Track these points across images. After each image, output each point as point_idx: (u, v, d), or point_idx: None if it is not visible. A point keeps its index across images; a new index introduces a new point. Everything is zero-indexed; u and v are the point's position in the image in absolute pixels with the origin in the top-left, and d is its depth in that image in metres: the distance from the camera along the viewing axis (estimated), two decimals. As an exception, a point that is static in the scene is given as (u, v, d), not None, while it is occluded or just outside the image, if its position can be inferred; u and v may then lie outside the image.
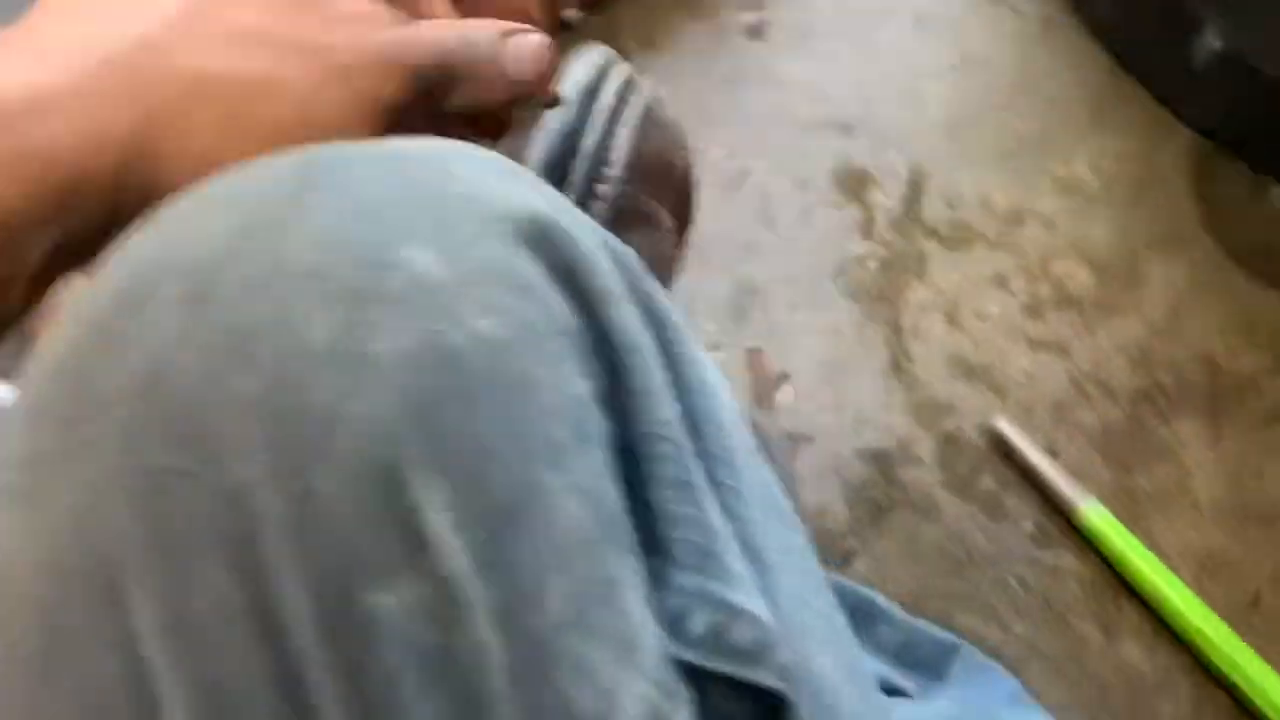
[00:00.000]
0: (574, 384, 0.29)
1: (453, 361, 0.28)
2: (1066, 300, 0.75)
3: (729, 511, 0.32)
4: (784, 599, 0.33)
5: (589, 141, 0.54)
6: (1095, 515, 0.68)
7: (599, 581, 0.28)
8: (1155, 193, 0.78)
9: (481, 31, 0.39)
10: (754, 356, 0.71)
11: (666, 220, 0.56)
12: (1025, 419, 0.71)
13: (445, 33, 0.38)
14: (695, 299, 0.72)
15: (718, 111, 0.77)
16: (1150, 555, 0.68)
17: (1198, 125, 0.77)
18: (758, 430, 0.68)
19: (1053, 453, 0.70)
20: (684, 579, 0.29)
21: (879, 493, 0.69)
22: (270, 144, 0.33)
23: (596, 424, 0.30)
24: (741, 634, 0.30)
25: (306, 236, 0.29)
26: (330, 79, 0.35)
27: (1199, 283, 0.76)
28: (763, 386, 0.70)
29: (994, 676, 0.52)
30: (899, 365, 0.72)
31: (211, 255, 0.29)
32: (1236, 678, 0.66)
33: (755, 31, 0.80)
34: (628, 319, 0.31)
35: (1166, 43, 0.72)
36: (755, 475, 0.35)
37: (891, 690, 0.51)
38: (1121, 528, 0.68)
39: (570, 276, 0.31)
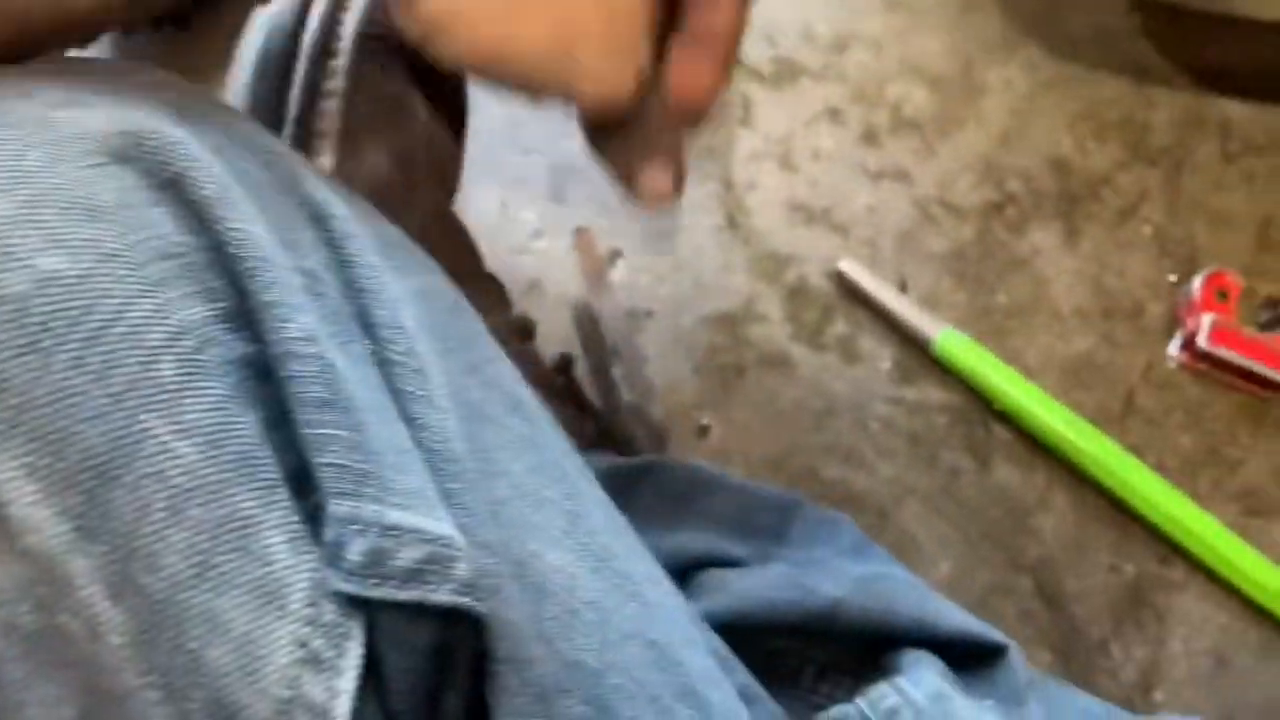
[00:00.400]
0: (182, 310, 0.26)
1: (16, 309, 0.25)
2: (904, 124, 0.70)
3: (412, 421, 0.29)
4: (502, 500, 0.30)
5: (310, 31, 0.49)
6: (952, 342, 0.65)
7: (227, 527, 0.25)
8: (984, -6, 0.73)
9: None
10: (581, 237, 0.67)
11: (421, 108, 0.52)
12: (872, 256, 0.68)
13: None
14: (512, 186, 0.67)
15: None
16: (1014, 373, 0.65)
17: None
18: (590, 313, 0.65)
19: (903, 285, 0.68)
20: (336, 506, 0.26)
21: (729, 357, 0.66)
22: None
23: (220, 350, 0.26)
24: (407, 555, 0.27)
25: None
26: None
27: (1039, 83, 0.72)
28: (593, 266, 0.67)
29: (836, 529, 0.50)
30: (734, 221, 0.68)
31: None
32: (1113, 484, 0.64)
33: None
34: (248, 225, 0.27)
35: None
36: (462, 374, 0.32)
37: (726, 562, 0.49)
38: (981, 350, 0.65)
39: (176, 188, 0.27)
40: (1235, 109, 0.73)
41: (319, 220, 0.30)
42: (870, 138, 0.70)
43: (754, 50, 0.71)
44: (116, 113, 0.29)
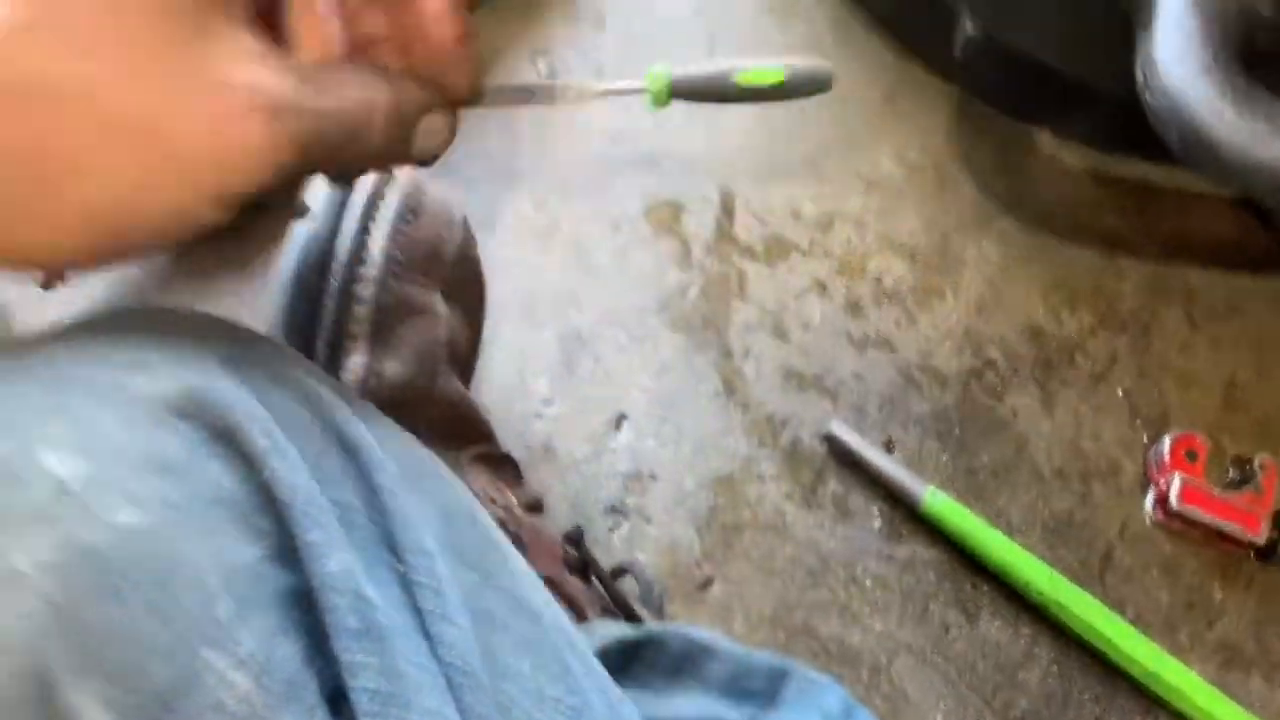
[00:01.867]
0: (235, 552, 0.31)
1: (94, 561, 0.29)
2: (886, 295, 0.76)
3: (432, 638, 0.33)
4: (512, 700, 0.34)
5: (342, 245, 0.55)
6: (937, 502, 0.69)
7: None
8: (956, 174, 0.79)
9: (383, 93, 0.34)
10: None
11: (441, 306, 0.57)
12: (859, 419, 0.73)
13: (340, 101, 0.33)
14: (525, 358, 0.73)
15: (524, 166, 0.78)
16: (996, 532, 0.69)
17: (985, 100, 0.78)
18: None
19: (889, 447, 0.72)
20: None
21: (728, 516, 0.70)
22: (77, 225, 0.31)
23: (269, 584, 0.31)
24: None
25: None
26: (167, 170, 0.31)
27: (1012, 255, 0.77)
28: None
29: (824, 690, 0.53)
30: (732, 387, 0.73)
31: None
32: (1095, 638, 0.67)
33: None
34: (292, 474, 0.32)
35: (936, 30, 0.74)
36: (477, 585, 0.36)
37: (722, 726, 0.52)
38: (963, 510, 0.69)
39: (231, 441, 0.32)
40: (1198, 276, 0.78)
41: (351, 452, 0.35)
42: (855, 309, 0.76)
43: (746, 230, 0.77)
44: (179, 373, 0.34)
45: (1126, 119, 0.65)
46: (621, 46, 0.82)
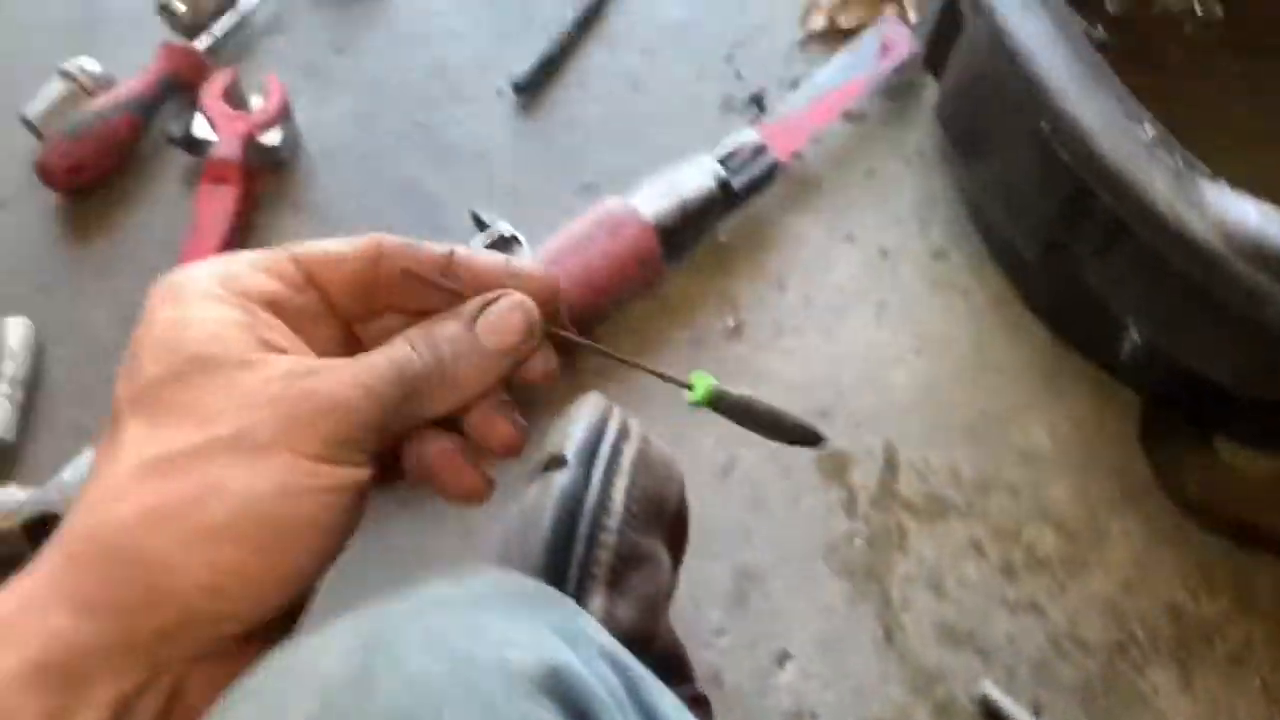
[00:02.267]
0: None
1: None
2: (1038, 562, 0.82)
3: None
4: None
5: (589, 500, 0.62)
6: (1084, 773, 0.73)
7: None
8: (1107, 453, 0.86)
9: (446, 329, 0.42)
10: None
11: (664, 554, 0.64)
12: (1009, 681, 0.77)
13: (396, 360, 0.40)
14: (699, 588, 0.79)
15: (705, 410, 0.86)
16: (1140, 808, 0.73)
17: (1152, 400, 0.85)
18: None
19: (1037, 711, 0.76)
20: None
21: (882, 763, 0.75)
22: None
23: None
24: None
25: (377, 713, 0.37)
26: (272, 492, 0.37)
27: (1157, 536, 0.83)
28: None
29: None
30: (892, 636, 0.78)
31: None
32: None
33: (733, 333, 0.90)
34: None
35: (1098, 332, 0.82)
36: None
37: None
38: (1109, 783, 0.73)
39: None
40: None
41: None
42: (1009, 572, 0.81)
43: (909, 487, 0.84)
44: (539, 651, 0.41)
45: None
46: (799, 307, 0.91)
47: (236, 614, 0.38)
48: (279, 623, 0.41)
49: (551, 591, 0.48)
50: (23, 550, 0.75)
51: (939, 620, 0.79)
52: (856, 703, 0.76)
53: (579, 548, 0.61)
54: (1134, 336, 0.76)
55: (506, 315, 0.43)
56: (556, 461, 0.64)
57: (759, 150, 0.92)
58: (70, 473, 0.76)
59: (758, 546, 0.81)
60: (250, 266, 0.43)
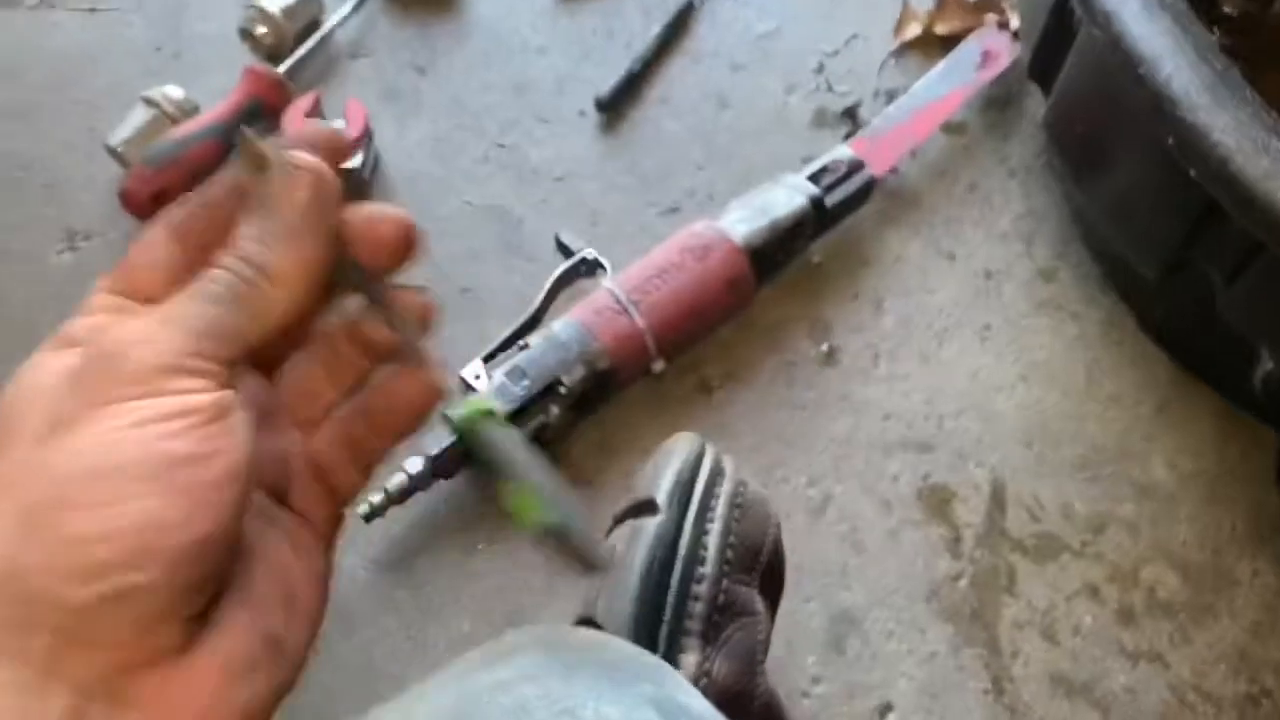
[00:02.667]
0: None
1: None
2: (1159, 607, 0.76)
3: None
4: None
5: (682, 547, 0.59)
6: (1216, 841, 0.67)
7: None
8: (1232, 488, 0.80)
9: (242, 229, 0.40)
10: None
11: (760, 604, 0.61)
12: (1132, 737, 0.72)
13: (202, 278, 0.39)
14: (793, 633, 0.75)
15: (797, 439, 0.82)
16: None
17: (1271, 425, 0.79)
18: None
19: (1164, 771, 0.71)
20: None
21: (992, 824, 0.70)
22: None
23: None
24: None
25: None
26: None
27: (1291, 580, 0.77)
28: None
29: None
30: (1001, 687, 0.74)
31: None
32: None
33: (828, 359, 0.86)
34: None
35: (1226, 361, 0.76)
36: None
37: None
38: None
39: None
40: None
41: None
42: (1128, 618, 0.76)
43: (1018, 524, 0.79)
44: None
45: None
46: (898, 331, 0.87)
47: (144, 587, 0.34)
48: (209, 602, 0.37)
49: (649, 659, 0.45)
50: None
51: (1052, 670, 0.74)
52: (964, 757, 0.72)
53: (671, 598, 0.57)
54: (1268, 365, 0.70)
55: (292, 178, 0.40)
56: (646, 506, 0.61)
57: (854, 166, 0.88)
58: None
59: (855, 588, 0.77)
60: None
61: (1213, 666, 0.74)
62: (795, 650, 0.75)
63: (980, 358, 0.86)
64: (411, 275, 0.73)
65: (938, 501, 0.80)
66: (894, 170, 0.92)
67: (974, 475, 0.81)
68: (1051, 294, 0.88)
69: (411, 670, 0.75)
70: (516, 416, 0.77)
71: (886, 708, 0.73)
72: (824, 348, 0.86)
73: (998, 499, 0.80)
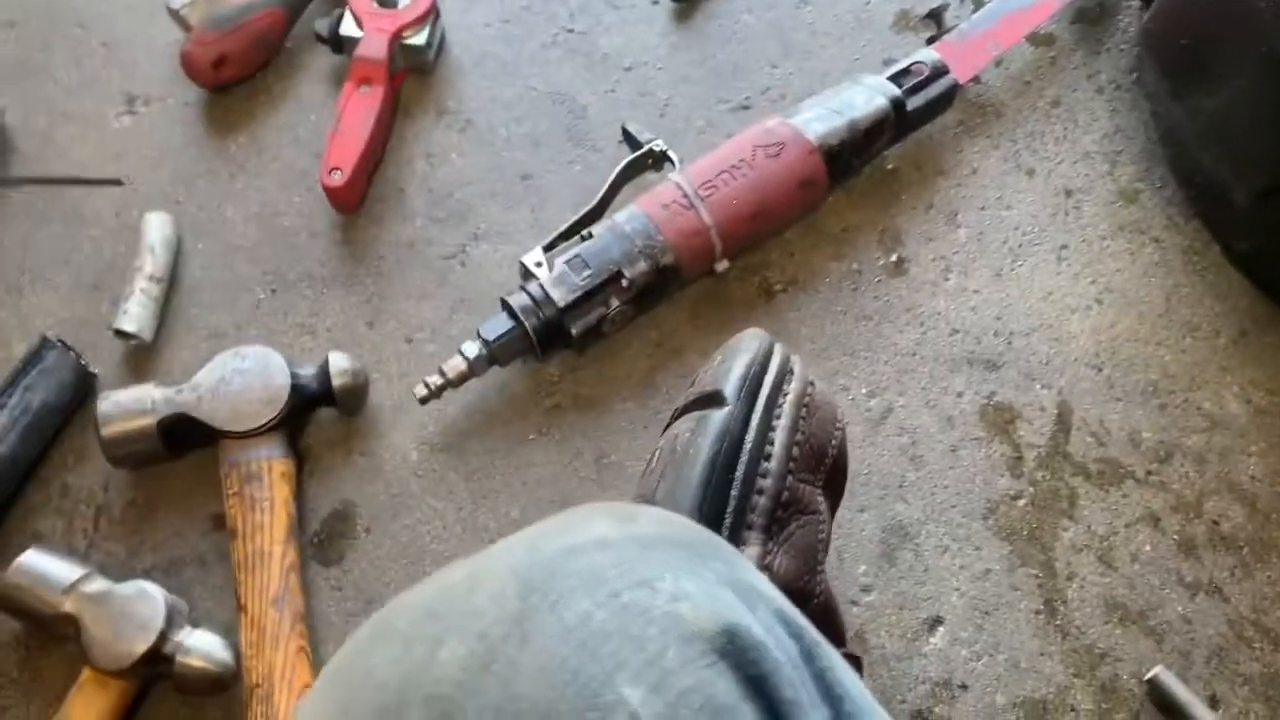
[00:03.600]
0: None
1: None
2: (1221, 540, 0.74)
3: None
4: None
5: (750, 439, 0.57)
6: (1264, 774, 0.66)
7: None
8: (1310, 427, 0.77)
9: None
10: None
11: (822, 504, 0.59)
12: (1184, 667, 0.71)
13: None
14: (846, 541, 0.74)
15: (860, 349, 0.80)
16: (1326, 819, 0.66)
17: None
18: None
19: (1213, 702, 0.70)
20: None
21: (1036, 743, 0.69)
22: None
23: None
24: None
25: (533, 672, 0.34)
26: None
27: (1363, 521, 0.74)
28: (914, 631, 0.72)
29: None
30: (1054, 609, 0.72)
31: (451, 687, 0.34)
32: None
33: (897, 268, 0.83)
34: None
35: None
36: None
37: None
38: (1293, 789, 0.66)
39: (761, 687, 0.35)
40: None
41: (834, 701, 0.38)
42: (1188, 549, 0.74)
43: (1082, 448, 0.77)
44: (712, 607, 0.37)
45: None
46: (970, 245, 0.84)
47: None
48: None
49: (717, 539, 0.44)
50: (156, 449, 0.74)
51: (1107, 595, 0.73)
52: (1010, 677, 0.71)
53: (735, 491, 0.56)
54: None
55: None
56: (714, 398, 0.59)
57: (938, 70, 0.84)
58: (205, 374, 0.74)
59: (911, 501, 0.76)
60: None
61: (1273, 603, 0.72)
62: (846, 559, 0.74)
63: (1055, 278, 0.83)
64: (470, 162, 0.72)
65: (1001, 421, 0.78)
66: (976, 79, 0.89)
67: (1040, 396, 0.79)
68: (1133, 217, 0.85)
69: (460, 552, 0.74)
70: (576, 306, 0.76)
71: (936, 621, 0.72)
72: (893, 257, 0.84)
73: (1063, 422, 0.78)
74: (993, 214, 0.85)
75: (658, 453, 0.62)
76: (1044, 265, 0.83)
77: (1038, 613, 0.72)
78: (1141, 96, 0.89)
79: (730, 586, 0.39)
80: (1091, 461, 0.77)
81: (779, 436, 0.58)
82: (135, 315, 0.79)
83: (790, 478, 0.57)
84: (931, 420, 0.78)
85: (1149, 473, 0.76)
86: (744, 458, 0.57)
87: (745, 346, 0.61)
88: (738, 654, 0.36)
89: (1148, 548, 0.74)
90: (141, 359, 0.81)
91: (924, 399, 0.79)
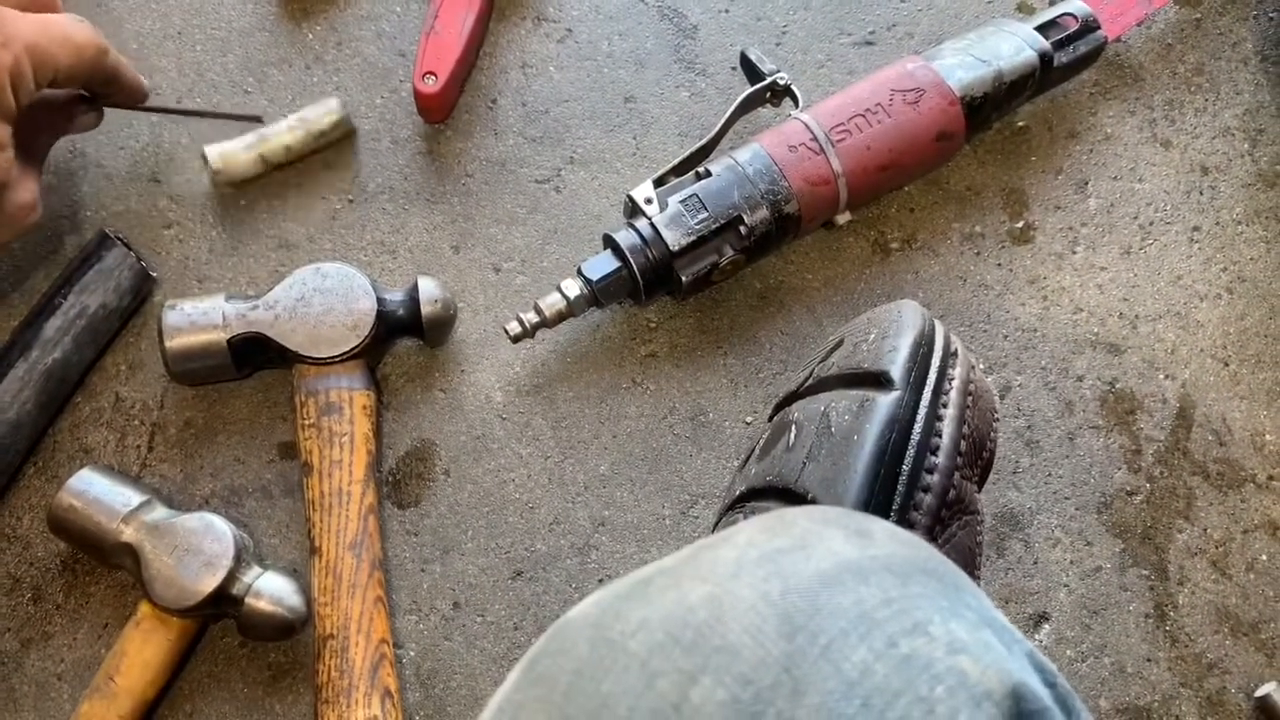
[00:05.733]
0: None
1: None
2: (1342, 555, 0.71)
3: None
4: None
5: (916, 429, 0.52)
6: (1371, 803, 0.64)
7: None
8: None
9: None
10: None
11: (981, 503, 0.55)
12: (1294, 685, 0.68)
13: None
14: (952, 524, 0.70)
15: (979, 319, 0.75)
16: None
17: None
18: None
19: (1325, 726, 0.67)
20: None
21: (1137, 752, 0.66)
22: None
23: None
24: None
25: (809, 717, 0.29)
26: None
27: None
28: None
29: None
30: (1164, 614, 0.69)
31: None
32: None
33: (1021, 236, 0.78)
34: None
35: None
36: None
37: None
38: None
39: None
40: None
41: None
42: (1307, 561, 0.71)
43: (1203, 446, 0.73)
44: (988, 658, 0.33)
45: None
46: (1099, 217, 0.79)
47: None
48: None
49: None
50: (223, 368, 0.67)
51: (1220, 604, 0.70)
52: (1115, 682, 0.67)
53: (902, 486, 0.51)
54: None
55: None
56: (879, 379, 0.54)
57: (1088, 24, 0.78)
58: (282, 291, 0.67)
59: (1024, 489, 0.71)
60: None
61: (1388, 625, 0.70)
62: (953, 544, 0.70)
63: (1186, 261, 0.78)
64: (568, 77, 0.65)
65: (1122, 410, 0.74)
66: (1118, 39, 0.82)
67: (1163, 387, 0.74)
68: (1271, 202, 0.80)
69: (545, 503, 0.69)
70: (689, 251, 0.70)
71: (1042, 617, 0.69)
72: (1019, 224, 0.78)
73: (1185, 416, 0.74)
74: (1125, 185, 0.80)
75: (793, 427, 0.57)
76: (1175, 246, 0.78)
77: (1147, 616, 0.69)
78: (1290, 72, 0.83)
79: (988, 626, 0.35)
80: (1211, 461, 0.73)
81: (946, 428, 0.53)
82: (227, 151, 0.74)
83: (957, 474, 0.53)
84: (1050, 403, 0.73)
85: (1270, 478, 0.73)
86: (911, 450, 0.52)
87: (909, 322, 0.56)
88: (1023, 718, 0.31)
89: (1264, 557, 0.71)
90: (204, 264, 0.74)
91: (1043, 380, 0.74)
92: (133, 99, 0.70)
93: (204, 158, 0.73)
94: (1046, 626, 0.69)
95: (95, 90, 0.68)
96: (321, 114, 0.75)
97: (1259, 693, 0.67)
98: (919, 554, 0.37)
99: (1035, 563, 0.70)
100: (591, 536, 0.69)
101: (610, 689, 0.31)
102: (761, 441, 0.60)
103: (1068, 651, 0.68)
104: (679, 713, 0.29)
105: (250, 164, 0.74)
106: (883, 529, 0.38)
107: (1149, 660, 0.68)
